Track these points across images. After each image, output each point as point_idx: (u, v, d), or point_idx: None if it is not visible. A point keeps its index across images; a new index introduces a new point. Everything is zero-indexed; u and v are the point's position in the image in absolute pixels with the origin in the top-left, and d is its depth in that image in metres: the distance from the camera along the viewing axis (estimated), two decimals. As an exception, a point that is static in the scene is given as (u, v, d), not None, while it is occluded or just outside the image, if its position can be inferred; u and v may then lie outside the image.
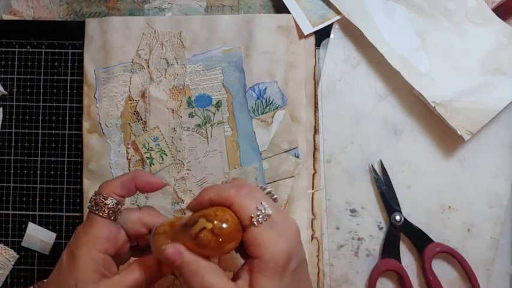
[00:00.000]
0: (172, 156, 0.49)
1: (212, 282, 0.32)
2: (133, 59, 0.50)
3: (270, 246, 0.32)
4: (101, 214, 0.36)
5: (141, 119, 0.49)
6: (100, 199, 0.36)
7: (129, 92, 0.50)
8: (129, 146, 0.49)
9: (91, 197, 0.37)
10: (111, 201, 0.36)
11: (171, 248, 0.33)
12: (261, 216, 0.32)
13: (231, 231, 0.32)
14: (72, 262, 0.36)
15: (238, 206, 0.33)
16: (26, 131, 0.51)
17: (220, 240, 0.32)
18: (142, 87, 0.50)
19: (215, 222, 0.32)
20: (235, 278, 0.34)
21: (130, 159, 0.49)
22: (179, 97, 0.50)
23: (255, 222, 0.32)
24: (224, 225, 0.32)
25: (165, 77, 0.50)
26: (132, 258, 0.40)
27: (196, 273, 0.32)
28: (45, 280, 0.45)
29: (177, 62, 0.50)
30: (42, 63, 0.51)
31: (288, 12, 0.50)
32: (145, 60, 0.50)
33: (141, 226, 0.38)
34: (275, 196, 0.37)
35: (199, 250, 0.33)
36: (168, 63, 0.50)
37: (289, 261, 0.32)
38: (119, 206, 0.37)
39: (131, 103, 0.50)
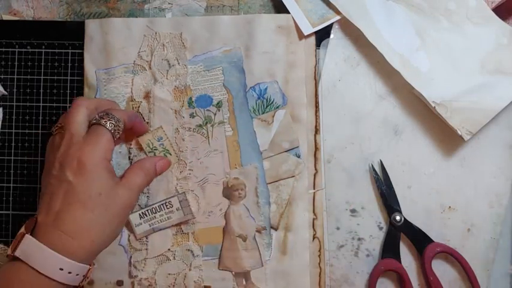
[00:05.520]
0: (177, 156, 0.49)
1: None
2: (134, 61, 0.50)
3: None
4: (109, 128, 0.41)
5: (144, 120, 0.49)
6: (113, 116, 0.41)
7: (131, 93, 0.50)
8: (132, 146, 0.49)
9: (100, 113, 0.42)
10: (120, 122, 0.42)
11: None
12: None
13: None
14: (85, 174, 0.38)
15: None
16: (26, 131, 0.51)
17: None
18: (145, 88, 0.50)
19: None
20: None
21: (132, 160, 0.49)
22: (181, 98, 0.50)
23: None
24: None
25: (166, 78, 0.50)
26: None
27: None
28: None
29: (179, 63, 0.50)
30: (42, 64, 0.51)
31: (288, 12, 0.50)
32: (147, 61, 0.50)
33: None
34: None
35: None
36: (169, 64, 0.50)
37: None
38: (121, 129, 0.42)
39: (133, 104, 0.50)
